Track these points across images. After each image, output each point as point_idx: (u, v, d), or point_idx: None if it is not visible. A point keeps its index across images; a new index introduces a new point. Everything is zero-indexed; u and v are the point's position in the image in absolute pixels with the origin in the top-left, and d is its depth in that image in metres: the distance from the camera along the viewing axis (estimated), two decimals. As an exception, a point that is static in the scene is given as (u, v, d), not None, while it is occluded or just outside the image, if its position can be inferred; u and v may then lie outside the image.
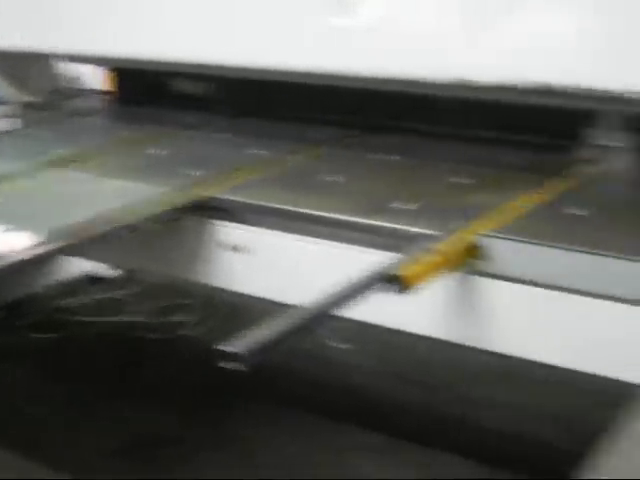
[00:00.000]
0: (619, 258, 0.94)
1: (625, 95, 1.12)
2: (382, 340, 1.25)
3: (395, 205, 1.13)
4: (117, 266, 1.95)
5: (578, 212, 1.08)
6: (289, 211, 1.15)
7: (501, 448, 1.56)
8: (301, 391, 1.61)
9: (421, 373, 1.76)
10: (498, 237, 1.00)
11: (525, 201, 1.13)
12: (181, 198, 1.21)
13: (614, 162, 1.38)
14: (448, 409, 1.68)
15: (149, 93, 1.89)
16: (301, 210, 1.15)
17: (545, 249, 0.97)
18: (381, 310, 1.02)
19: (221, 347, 0.75)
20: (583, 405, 1.27)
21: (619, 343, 0.93)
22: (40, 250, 1.05)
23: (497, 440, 1.63)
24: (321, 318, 0.85)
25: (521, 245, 0.99)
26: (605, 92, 1.12)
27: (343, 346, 1.48)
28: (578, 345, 0.97)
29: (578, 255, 0.96)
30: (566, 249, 0.97)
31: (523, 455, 1.47)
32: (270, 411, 1.57)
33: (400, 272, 0.90)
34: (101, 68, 1.94)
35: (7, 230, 1.09)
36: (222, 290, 1.22)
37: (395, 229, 1.07)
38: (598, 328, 0.96)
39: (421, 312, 1.04)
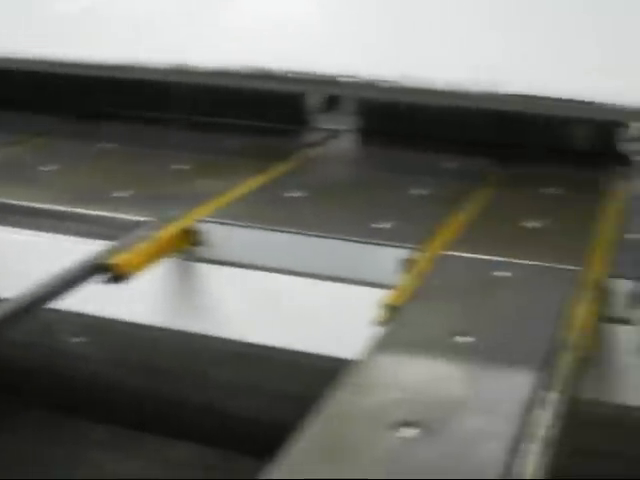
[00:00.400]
0: (335, 239, 0.96)
1: (339, 79, 1.15)
2: (111, 332, 1.22)
3: (113, 194, 1.11)
4: None
5: (297, 194, 1.10)
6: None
7: (241, 432, 1.57)
8: (29, 385, 1.54)
9: (151, 361, 1.73)
10: (215, 222, 1.00)
11: (246, 186, 1.14)
12: None
13: (337, 145, 1.42)
14: (184, 396, 1.67)
15: None
16: (10, 202, 1.09)
17: (260, 232, 0.98)
18: (103, 301, 0.99)
19: None
20: (313, 384, 1.29)
21: (337, 321, 0.95)
22: None
23: (237, 424, 1.64)
24: (30, 310, 0.82)
25: (237, 229, 0.99)
26: (322, 76, 1.15)
27: (75, 339, 1.42)
28: (299, 325, 0.98)
29: (295, 237, 0.97)
30: (282, 231, 0.97)
31: (264, 437, 1.47)
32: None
33: (112, 261, 0.88)
34: None
35: None
36: None
37: (112, 218, 1.04)
38: (318, 308, 0.97)
39: (143, 301, 1.02)
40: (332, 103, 1.61)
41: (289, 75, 1.17)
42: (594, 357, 0.83)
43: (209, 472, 1.45)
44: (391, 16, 1.13)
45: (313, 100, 1.49)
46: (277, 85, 1.23)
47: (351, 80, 1.13)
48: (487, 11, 1.09)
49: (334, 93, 1.40)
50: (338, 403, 0.64)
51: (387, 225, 0.99)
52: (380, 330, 0.75)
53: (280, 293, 0.99)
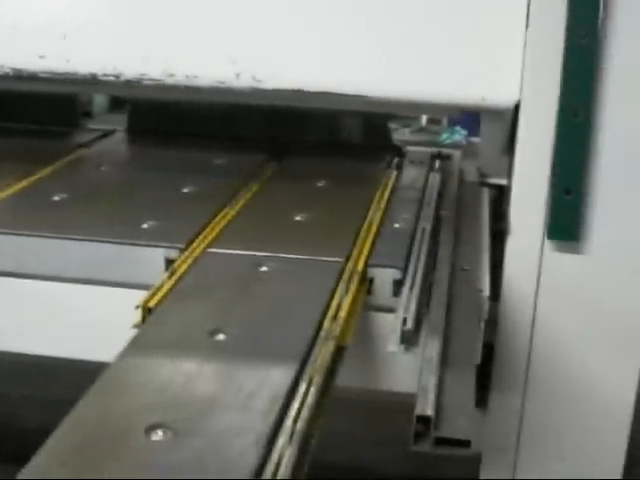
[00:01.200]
0: (99, 242, 0.93)
1: (102, 78, 1.12)
2: None
3: None
4: None
5: (64, 197, 1.06)
6: None
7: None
8: None
9: None
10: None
11: (10, 190, 1.10)
12: None
13: (108, 145, 1.39)
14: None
15: None
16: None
17: (23, 238, 0.94)
18: None
19: None
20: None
21: (102, 325, 0.93)
22: None
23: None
24: None
25: None
26: (84, 76, 1.12)
27: None
28: (66, 331, 0.95)
29: (58, 242, 0.94)
30: (45, 236, 0.94)
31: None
32: None
33: None
34: None
35: None
36: None
37: None
38: (84, 312, 0.94)
39: None
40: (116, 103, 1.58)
41: (50, 76, 1.13)
42: (357, 346, 0.85)
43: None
44: (151, 13, 1.11)
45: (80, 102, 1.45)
46: (40, 86, 1.19)
47: (114, 80, 1.11)
48: (249, 6, 1.09)
49: (97, 92, 1.37)
50: (90, 408, 0.62)
51: (153, 225, 0.97)
52: (135, 332, 0.74)
53: (46, 300, 0.95)
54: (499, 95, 1.04)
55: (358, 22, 1.08)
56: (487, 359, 1.06)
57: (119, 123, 1.49)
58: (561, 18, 0.96)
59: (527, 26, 1.00)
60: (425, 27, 1.07)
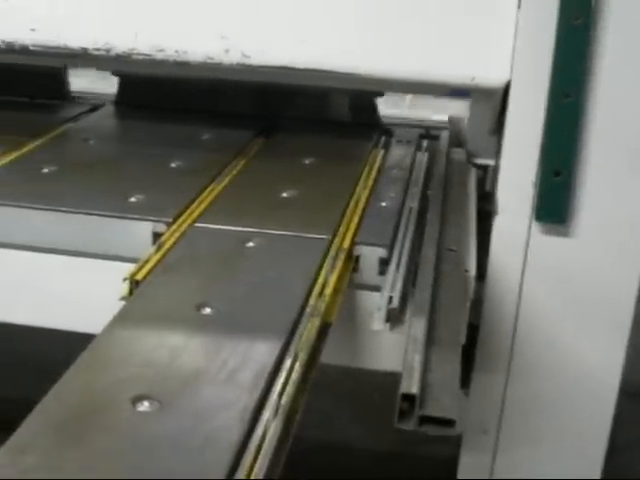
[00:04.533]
0: (87, 214, 0.93)
1: (92, 52, 1.11)
2: None
3: None
4: None
5: (53, 170, 1.06)
6: None
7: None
8: None
9: None
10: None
11: (-1, 162, 1.09)
12: None
13: (97, 119, 1.38)
14: None
15: None
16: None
17: (12, 209, 0.94)
18: None
19: None
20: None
21: (91, 298, 0.93)
22: None
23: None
24: None
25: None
26: (74, 50, 1.11)
27: None
28: (55, 304, 0.95)
29: (48, 213, 0.94)
30: (35, 208, 0.94)
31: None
32: None
33: None
34: None
35: None
36: None
37: None
38: (73, 285, 0.94)
39: None
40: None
41: (41, 49, 1.12)
42: (342, 324, 0.85)
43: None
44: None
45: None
46: (30, 59, 1.18)
47: (105, 54, 1.10)
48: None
49: (87, 67, 1.36)
50: (76, 379, 0.62)
51: (140, 199, 0.97)
52: (122, 304, 0.74)
53: (33, 271, 0.95)
54: (489, 75, 1.04)
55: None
56: (471, 340, 1.06)
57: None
58: (554, -1, 0.96)
59: (519, 6, 1.00)
60: (415, 5, 1.06)
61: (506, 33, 1.01)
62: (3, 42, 1.13)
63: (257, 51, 1.07)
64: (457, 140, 1.30)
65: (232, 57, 1.07)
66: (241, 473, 0.54)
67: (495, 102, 1.07)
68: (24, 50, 1.13)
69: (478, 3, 1.05)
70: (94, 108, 1.42)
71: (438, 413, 0.62)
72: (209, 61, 1.08)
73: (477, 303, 1.03)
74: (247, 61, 1.07)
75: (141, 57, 1.10)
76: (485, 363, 1.09)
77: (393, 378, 0.77)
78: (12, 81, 1.43)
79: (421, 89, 1.19)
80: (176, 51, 1.09)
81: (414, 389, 0.63)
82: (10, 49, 1.13)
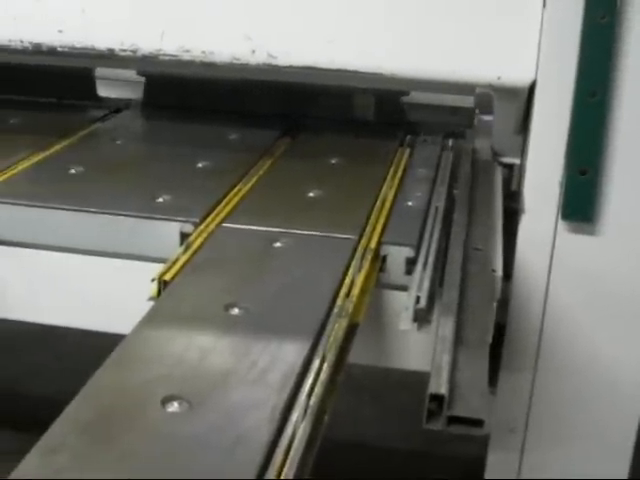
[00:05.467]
0: (115, 214, 0.94)
1: (119, 53, 1.12)
2: None
3: None
4: None
5: (80, 170, 1.07)
6: None
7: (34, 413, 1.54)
8: None
9: None
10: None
11: (27, 163, 1.10)
12: None
13: (124, 119, 1.39)
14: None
15: None
16: None
17: (40, 210, 0.95)
18: None
19: None
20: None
21: (119, 298, 0.94)
22: None
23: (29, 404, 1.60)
24: None
25: (17, 207, 0.95)
26: (101, 51, 1.12)
27: None
28: (82, 304, 0.96)
29: (75, 214, 0.95)
30: (63, 209, 0.95)
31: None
32: None
33: None
34: None
35: None
36: None
37: None
38: (100, 285, 0.95)
39: None
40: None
41: (68, 50, 1.13)
42: (369, 324, 0.85)
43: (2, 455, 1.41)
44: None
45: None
46: (58, 60, 1.19)
47: (132, 54, 1.11)
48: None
49: (114, 67, 1.37)
50: (106, 379, 0.63)
51: (168, 199, 0.97)
52: (151, 305, 0.74)
53: (62, 271, 0.96)
54: (515, 74, 1.03)
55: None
56: (497, 339, 1.06)
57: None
58: (580, -3, 0.95)
59: (544, 5, 1.00)
60: (440, 5, 1.06)
61: (531, 32, 1.01)
62: (31, 43, 1.14)
63: (283, 52, 1.07)
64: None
65: (258, 58, 1.08)
66: (271, 473, 0.55)
67: (520, 101, 1.07)
68: (52, 51, 1.14)
69: (503, 3, 1.05)
70: (121, 109, 1.43)
71: (467, 413, 0.62)
72: (235, 62, 1.08)
73: (503, 302, 1.02)
74: (273, 61, 1.07)
75: (167, 58, 1.11)
76: (512, 362, 1.08)
77: (418, 377, 0.77)
78: (40, 82, 1.44)
79: (446, 88, 1.18)
80: (202, 52, 1.09)
81: (443, 389, 0.63)
82: (38, 50, 1.14)
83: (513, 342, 1.07)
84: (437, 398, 0.63)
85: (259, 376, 0.64)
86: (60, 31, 1.13)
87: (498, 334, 1.04)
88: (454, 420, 0.63)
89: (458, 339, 0.72)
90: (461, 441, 1.33)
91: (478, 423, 0.63)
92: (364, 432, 1.55)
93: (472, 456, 1.18)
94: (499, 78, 1.04)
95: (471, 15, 1.06)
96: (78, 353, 1.54)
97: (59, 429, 0.56)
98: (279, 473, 0.55)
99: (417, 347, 0.88)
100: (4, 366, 1.77)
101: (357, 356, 0.76)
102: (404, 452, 1.50)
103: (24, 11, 1.14)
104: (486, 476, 1.13)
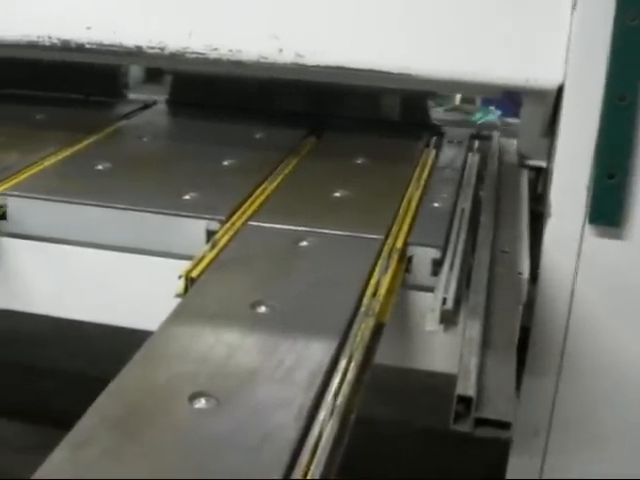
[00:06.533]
0: (141, 211, 0.94)
1: (146, 50, 1.12)
2: None
3: None
4: None
5: (107, 167, 1.07)
6: None
7: (60, 409, 1.54)
8: None
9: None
10: (22, 196, 0.96)
11: (55, 159, 1.11)
12: None
13: (150, 117, 1.40)
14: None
15: None
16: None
17: (67, 205, 0.96)
18: None
19: None
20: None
21: (144, 294, 0.94)
22: None
23: (54, 401, 1.61)
24: None
25: (44, 202, 0.96)
26: (128, 48, 1.13)
27: None
28: (107, 299, 0.96)
29: (102, 210, 0.95)
30: (90, 204, 0.95)
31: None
32: None
33: None
34: None
35: None
36: None
37: None
38: (125, 281, 0.95)
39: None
40: (153, 75, 1.59)
41: (96, 47, 1.13)
42: (395, 325, 0.85)
43: (28, 450, 1.42)
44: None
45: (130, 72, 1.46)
46: (86, 57, 1.20)
47: (159, 52, 1.11)
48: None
49: (141, 64, 1.37)
50: (134, 375, 0.63)
51: (194, 196, 0.98)
52: (178, 302, 0.75)
53: (87, 267, 0.96)
54: (543, 77, 1.03)
55: (402, 0, 1.08)
56: (522, 342, 1.06)
57: (155, 94, 1.50)
58: (610, 0, 0.95)
59: (574, 7, 0.99)
60: (471, 6, 1.06)
61: (560, 34, 1.01)
62: (59, 40, 1.14)
63: (311, 51, 1.07)
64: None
65: (286, 57, 1.08)
66: (297, 473, 0.55)
67: (548, 104, 1.06)
68: (80, 48, 1.15)
69: (532, 4, 1.04)
70: (147, 106, 1.44)
71: (494, 416, 0.62)
72: (263, 60, 1.09)
73: (529, 305, 1.02)
74: (301, 61, 1.07)
75: (195, 56, 1.11)
76: (536, 365, 1.08)
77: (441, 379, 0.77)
78: (67, 78, 1.45)
79: (474, 90, 1.18)
80: (230, 50, 1.09)
81: (470, 391, 0.63)
82: (66, 47, 1.15)
83: (537, 345, 1.07)
84: (464, 400, 0.63)
85: (286, 374, 0.64)
86: (88, 28, 1.13)
87: (522, 337, 1.04)
88: (480, 422, 0.63)
89: (485, 341, 0.72)
90: (483, 443, 1.32)
91: (505, 426, 0.63)
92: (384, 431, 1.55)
93: (494, 458, 1.18)
94: (527, 80, 1.04)
95: (500, 16, 1.05)
96: (98, 349, 1.55)
97: (88, 424, 0.56)
98: (305, 473, 0.55)
99: (442, 348, 0.87)
100: (28, 361, 1.77)
101: (382, 356, 0.76)
102: (424, 452, 1.49)
103: (53, 8, 1.15)
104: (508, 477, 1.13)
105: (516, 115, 1.27)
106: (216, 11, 1.11)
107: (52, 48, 1.14)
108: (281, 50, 1.08)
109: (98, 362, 1.63)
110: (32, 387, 1.69)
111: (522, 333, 1.00)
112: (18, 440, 1.51)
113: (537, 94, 1.06)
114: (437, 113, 1.47)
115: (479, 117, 3.11)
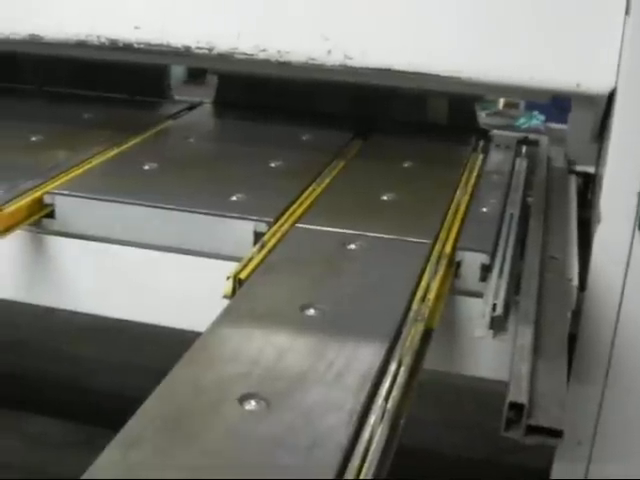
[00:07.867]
0: (189, 212, 0.94)
1: (195, 51, 1.13)
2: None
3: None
4: None
5: (154, 167, 1.08)
6: None
7: (102, 407, 1.56)
8: None
9: (5, 335, 1.70)
10: (69, 195, 0.97)
11: (102, 158, 1.11)
12: None
13: (197, 117, 1.40)
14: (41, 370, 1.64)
15: None
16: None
17: (114, 205, 0.96)
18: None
19: None
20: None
21: (191, 294, 0.94)
22: None
23: (96, 399, 1.62)
24: None
25: (91, 201, 0.96)
26: (177, 48, 1.13)
27: None
28: (154, 299, 0.97)
29: (148, 210, 0.95)
30: (136, 204, 0.95)
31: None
32: None
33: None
34: None
35: None
36: None
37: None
38: (172, 281, 0.95)
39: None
40: (196, 76, 1.59)
41: (144, 47, 1.14)
42: (443, 330, 0.84)
43: (68, 446, 1.43)
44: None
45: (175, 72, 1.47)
46: (133, 57, 1.21)
47: (207, 52, 1.11)
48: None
49: (190, 65, 1.38)
50: (184, 376, 0.63)
51: (242, 198, 0.97)
52: (227, 303, 0.74)
53: (134, 266, 0.97)
54: (594, 81, 1.02)
55: (453, 3, 1.07)
56: (568, 350, 1.04)
57: (197, 95, 1.50)
58: (664, 5, 0.93)
59: (627, 12, 0.98)
60: (522, 10, 1.05)
61: (613, 39, 0.99)
62: (107, 39, 1.15)
63: (359, 53, 1.07)
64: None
65: (334, 58, 1.07)
66: (349, 475, 0.54)
67: (598, 109, 1.05)
68: (128, 47, 1.15)
69: (585, 9, 1.03)
70: (193, 106, 1.44)
71: (546, 423, 0.62)
72: (311, 62, 1.08)
73: (576, 312, 1.01)
74: (349, 62, 1.07)
75: (243, 57, 1.11)
76: (582, 374, 1.07)
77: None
78: (113, 78, 1.46)
79: (523, 94, 1.17)
80: (278, 51, 1.09)
81: (522, 398, 0.62)
82: (114, 46, 1.15)
83: (584, 353, 1.06)
84: (516, 407, 0.62)
85: (336, 378, 0.63)
86: (137, 27, 1.14)
87: (569, 345, 1.02)
88: (533, 429, 0.62)
89: (536, 349, 0.71)
90: (526, 451, 1.31)
91: (557, 433, 0.62)
92: (428, 438, 1.54)
93: (537, 466, 1.16)
94: (578, 85, 1.03)
95: (551, 21, 1.04)
96: (148, 349, 1.56)
97: (137, 424, 0.56)
98: (357, 475, 0.54)
99: (492, 355, 0.87)
100: (71, 359, 1.79)
101: (430, 362, 0.75)
102: (467, 460, 1.48)
103: (102, 7, 1.15)
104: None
105: (560, 120, 1.26)
106: (265, 12, 1.11)
107: (100, 47, 1.15)
108: (330, 51, 1.08)
109: (141, 361, 1.64)
110: (74, 385, 1.70)
111: (569, 341, 0.99)
112: (57, 436, 1.52)
113: (588, 99, 1.05)
114: (480, 117, 1.46)
115: (523, 122, 3.08)
